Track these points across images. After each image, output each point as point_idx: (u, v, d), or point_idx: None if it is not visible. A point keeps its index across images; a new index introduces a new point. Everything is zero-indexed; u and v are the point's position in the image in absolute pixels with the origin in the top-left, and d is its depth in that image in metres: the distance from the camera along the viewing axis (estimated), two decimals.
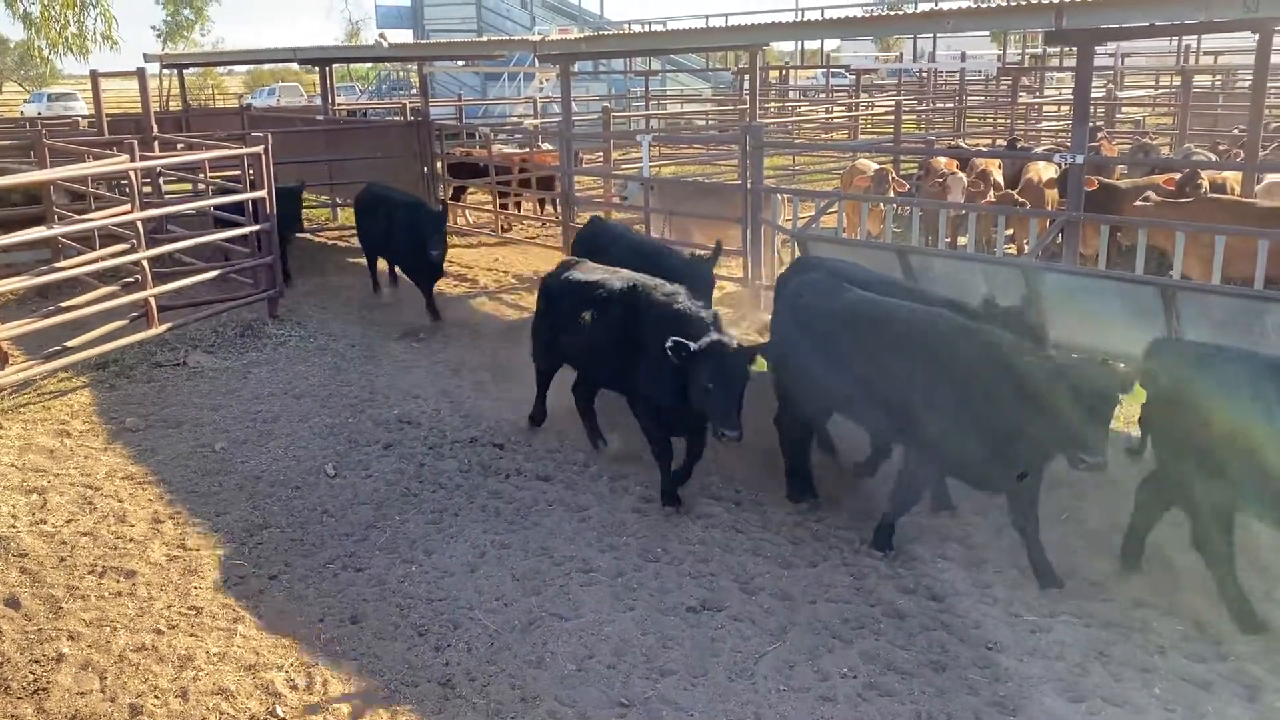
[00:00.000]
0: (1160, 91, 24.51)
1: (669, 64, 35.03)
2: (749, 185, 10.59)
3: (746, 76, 19.77)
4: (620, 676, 4.74)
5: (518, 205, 16.38)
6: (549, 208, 15.39)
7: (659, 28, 35.35)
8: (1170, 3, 7.26)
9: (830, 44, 43.27)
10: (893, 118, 17.98)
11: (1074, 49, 8.49)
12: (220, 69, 49.42)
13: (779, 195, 11.11)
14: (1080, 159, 8.07)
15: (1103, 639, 4.94)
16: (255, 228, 10.57)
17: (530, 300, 10.84)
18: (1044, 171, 11.86)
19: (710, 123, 28.18)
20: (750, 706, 4.53)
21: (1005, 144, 15.76)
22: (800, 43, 38.97)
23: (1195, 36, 23.03)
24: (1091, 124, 13.33)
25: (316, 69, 20.25)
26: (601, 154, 17.67)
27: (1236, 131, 14.46)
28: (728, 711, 4.51)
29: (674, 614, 5.23)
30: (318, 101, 23.51)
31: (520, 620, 5.20)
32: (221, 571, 5.73)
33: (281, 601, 5.42)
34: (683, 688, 4.66)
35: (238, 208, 10.69)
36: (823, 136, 24.78)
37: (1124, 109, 22.64)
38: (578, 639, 5.03)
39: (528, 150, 16.32)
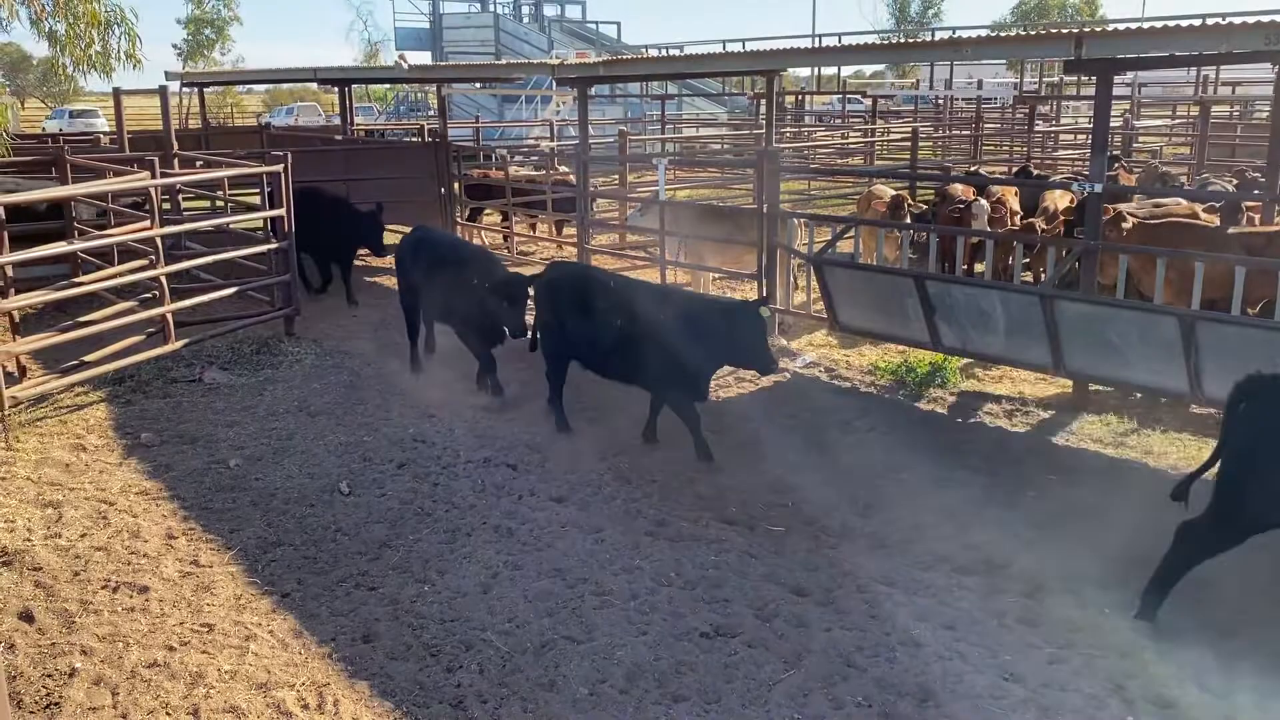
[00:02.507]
0: (1178, 121, 24.48)
1: (685, 88, 35.24)
2: (765, 209, 10.60)
3: (763, 101, 19.83)
4: (633, 701, 4.71)
5: (533, 227, 16.44)
6: (567, 229, 15.44)
7: (676, 52, 35.59)
8: (1191, 34, 7.25)
9: (847, 70, 43.47)
10: (909, 144, 18.02)
11: (1092, 78, 8.49)
12: (239, 88, 49.88)
13: (795, 220, 11.12)
14: (1099, 188, 8.05)
15: (1122, 669, 4.88)
16: (273, 245, 10.63)
17: None
18: (1061, 200, 11.84)
19: (726, 147, 28.30)
20: None
21: (1017, 171, 15.76)
22: (817, 69, 39.16)
23: (1214, 67, 23.02)
24: (1109, 153, 13.33)
25: (335, 89, 20.40)
26: (617, 177, 17.76)
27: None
28: None
29: (688, 639, 5.20)
30: (336, 121, 23.70)
31: (533, 642, 5.17)
32: (234, 588, 5.73)
33: (294, 620, 5.41)
34: (696, 714, 4.62)
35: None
36: (838, 162, 24.85)
37: (1141, 138, 22.63)
38: (590, 662, 5.00)
39: (544, 172, 16.40)
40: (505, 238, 15.77)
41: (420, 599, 5.61)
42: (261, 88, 54.21)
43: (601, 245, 14.19)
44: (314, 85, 33.69)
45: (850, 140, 25.38)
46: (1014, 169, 16.87)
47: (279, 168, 10.58)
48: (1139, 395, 8.46)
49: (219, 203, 12.63)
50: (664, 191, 13.74)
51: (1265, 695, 4.69)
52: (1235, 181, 12.57)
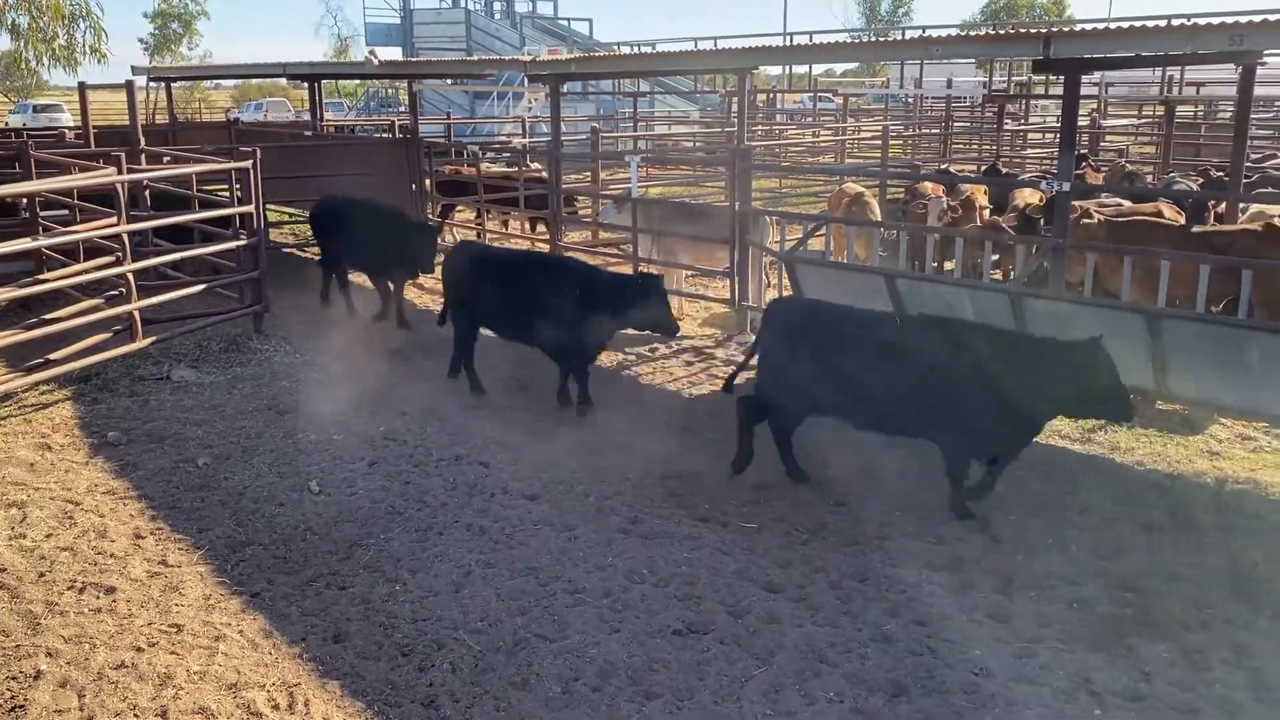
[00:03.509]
0: (1144, 121, 24.77)
1: (658, 86, 35.22)
2: (737, 207, 10.62)
3: (735, 99, 19.87)
4: (606, 699, 4.71)
5: (505, 224, 16.38)
6: (540, 226, 15.39)
7: (648, 50, 35.56)
8: (1157, 34, 7.34)
9: (819, 69, 43.67)
10: (879, 142, 18.11)
11: (1061, 78, 8.57)
12: (207, 83, 49.38)
13: (767, 217, 11.15)
14: (1067, 186, 8.13)
15: (1088, 664, 4.94)
16: (242, 242, 10.53)
17: None
18: (1030, 198, 11.94)
19: (698, 144, 28.33)
20: None
21: (986, 169, 15.88)
22: (788, 67, 39.27)
23: (1179, 67, 23.31)
24: (1077, 152, 13.45)
25: (305, 84, 20.24)
26: (590, 173, 17.75)
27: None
28: None
29: (661, 636, 5.20)
30: (306, 117, 23.51)
31: (505, 641, 5.16)
32: (203, 588, 5.68)
33: (264, 620, 5.36)
34: (669, 711, 4.63)
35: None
36: (809, 160, 24.95)
37: (1108, 137, 22.87)
38: (563, 661, 4.99)
39: (517, 169, 16.35)
40: (477, 235, 15.71)
41: (392, 598, 5.58)
42: (230, 83, 53.70)
43: (575, 242, 14.15)
44: (283, 81, 33.44)
45: (821, 139, 25.48)
46: (983, 167, 16.99)
47: (248, 163, 10.48)
48: None
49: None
50: (636, 188, 13.75)
51: (1229, 687, 4.76)
52: (1200, 180, 12.74)
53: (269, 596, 5.61)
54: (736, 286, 10.81)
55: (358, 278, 12.29)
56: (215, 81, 50.59)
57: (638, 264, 12.00)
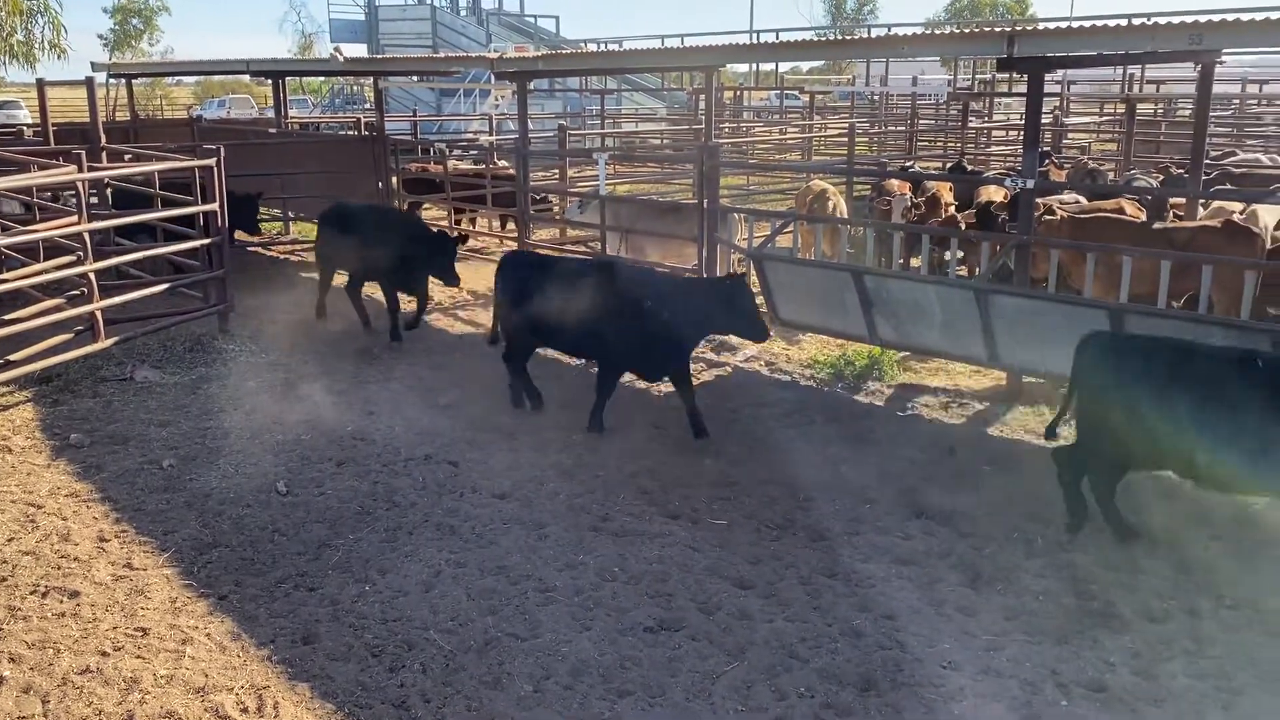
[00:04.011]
0: (1105, 118, 25.07)
1: (625, 83, 35.19)
2: (705, 204, 10.64)
3: (702, 97, 19.91)
4: (578, 697, 4.71)
5: (472, 221, 16.31)
6: (509, 224, 15.35)
7: (615, 47, 35.55)
8: (1119, 34, 7.44)
9: (785, 66, 43.80)
10: (846, 140, 18.22)
11: (1024, 75, 8.66)
12: (169, 80, 48.72)
13: (734, 214, 11.18)
14: (1030, 183, 8.22)
15: (1055, 656, 5.00)
16: (206, 241, 10.42)
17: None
18: (995, 195, 12.05)
19: (665, 142, 28.34)
20: None
21: (951, 167, 16.01)
22: (755, 65, 39.38)
23: (1140, 66, 23.61)
24: (1040, 149, 13.60)
25: (269, 81, 20.03)
26: (558, 171, 17.71)
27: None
28: None
29: (632, 633, 5.21)
30: (269, 114, 23.26)
31: (476, 641, 5.14)
32: (170, 591, 5.61)
33: (232, 622, 5.31)
34: (641, 708, 4.64)
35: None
36: (776, 157, 25.04)
37: (1070, 135, 23.13)
38: (535, 659, 4.99)
39: (484, 167, 16.28)
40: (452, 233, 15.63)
41: (361, 599, 5.55)
42: (192, 79, 52.92)
43: (543, 240, 14.12)
44: (246, 78, 33.07)
45: (788, 136, 25.58)
46: (948, 164, 17.13)
47: (211, 162, 10.36)
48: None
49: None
50: (604, 186, 13.75)
51: (1194, 677, 4.84)
52: (1160, 178, 12.91)
53: (237, 599, 5.56)
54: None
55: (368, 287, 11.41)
56: (177, 78, 49.93)
57: None
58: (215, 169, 10.35)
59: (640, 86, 37.04)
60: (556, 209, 15.21)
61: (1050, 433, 6.49)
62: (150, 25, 54.73)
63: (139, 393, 8.83)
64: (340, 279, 11.19)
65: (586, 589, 5.64)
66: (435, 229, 11.30)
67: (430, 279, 10.87)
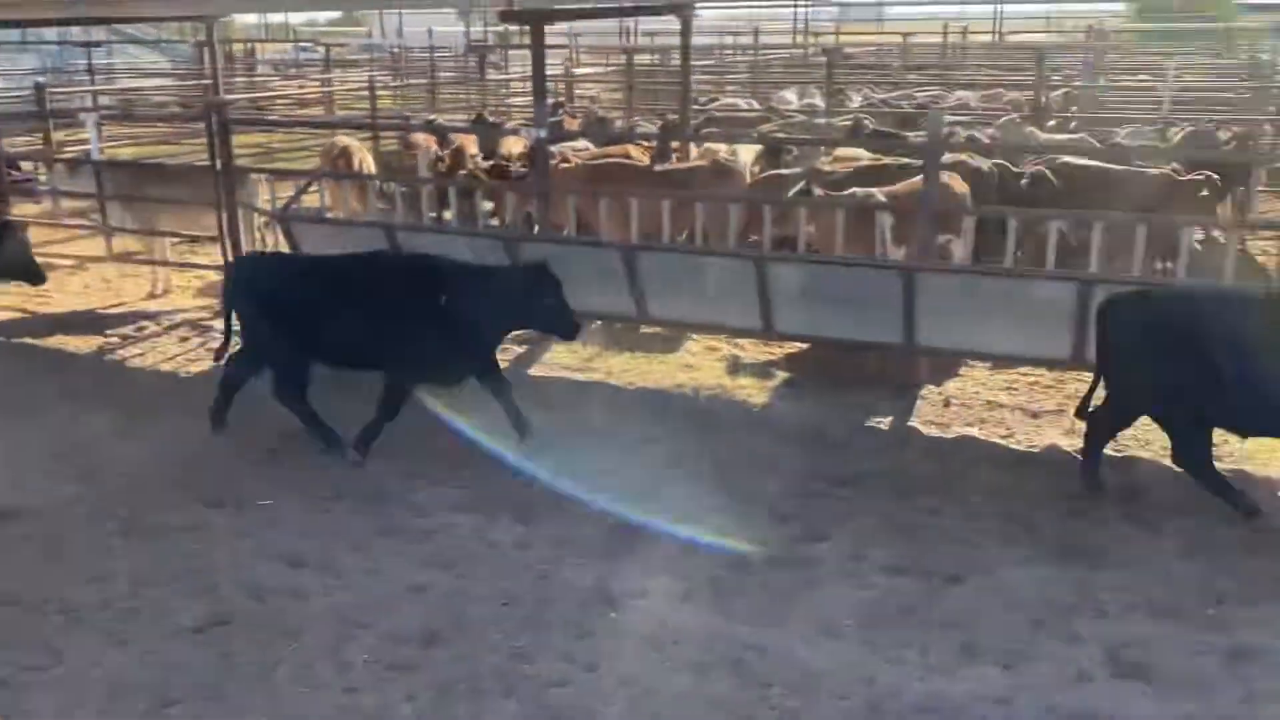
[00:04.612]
0: (610, 69, 26.79)
1: (115, 34, 31.51)
2: (219, 166, 9.89)
3: (206, 50, 18.43)
4: None
5: None
6: None
7: None
8: None
9: (299, 19, 41.77)
10: (367, 93, 17.87)
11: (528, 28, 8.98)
12: None
13: (255, 175, 10.54)
14: (543, 133, 8.59)
15: (608, 572, 5.35)
16: None
17: None
18: (515, 146, 12.45)
19: (172, 99, 25.93)
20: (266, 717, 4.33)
21: (474, 119, 16.28)
22: (263, 16, 37.16)
23: (634, 20, 25.49)
24: (553, 100, 14.26)
25: None
26: (41, 135, 15.49)
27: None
28: None
29: (177, 638, 4.81)
30: None
31: None
32: None
33: None
34: (193, 714, 4.33)
35: None
36: (297, 113, 23.92)
37: (581, 85, 24.46)
38: (62, 691, 4.45)
39: None
40: None
41: None
42: None
43: (33, 215, 12.21)
44: None
45: (307, 90, 24.52)
46: (471, 117, 17.40)
47: None
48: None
49: None
50: (98, 150, 12.32)
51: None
52: (660, 124, 14.10)
53: None
54: (230, 252, 10.11)
55: None
56: None
57: (110, 234, 10.82)
58: None
59: (134, 39, 33.42)
60: (44, 179, 13.33)
61: (1081, 411, 6.18)
62: None
63: None
64: None
65: (118, 601, 5.10)
66: None
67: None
